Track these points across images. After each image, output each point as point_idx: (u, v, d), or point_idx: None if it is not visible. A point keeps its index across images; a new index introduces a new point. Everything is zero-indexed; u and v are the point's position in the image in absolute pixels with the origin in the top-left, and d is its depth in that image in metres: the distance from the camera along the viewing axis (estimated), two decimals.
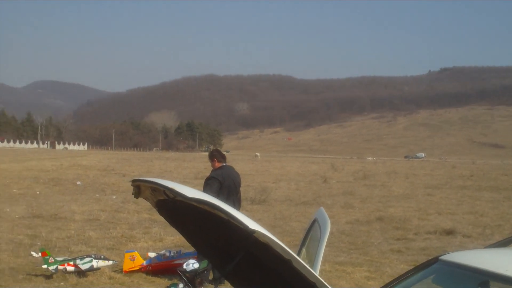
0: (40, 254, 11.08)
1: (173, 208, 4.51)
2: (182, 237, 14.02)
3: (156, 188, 4.40)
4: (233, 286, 5.03)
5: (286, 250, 3.81)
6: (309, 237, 5.48)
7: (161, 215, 4.99)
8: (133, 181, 4.72)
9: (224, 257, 4.66)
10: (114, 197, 26.43)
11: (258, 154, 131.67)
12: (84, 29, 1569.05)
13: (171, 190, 4.11)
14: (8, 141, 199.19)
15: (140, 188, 4.74)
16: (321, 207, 5.60)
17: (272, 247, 3.83)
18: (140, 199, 4.93)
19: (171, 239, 15.10)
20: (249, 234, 3.78)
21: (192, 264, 7.71)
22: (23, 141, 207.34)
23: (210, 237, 4.66)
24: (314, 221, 5.39)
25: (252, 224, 3.76)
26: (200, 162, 76.84)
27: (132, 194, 4.91)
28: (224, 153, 12.84)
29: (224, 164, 11.27)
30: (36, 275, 10.85)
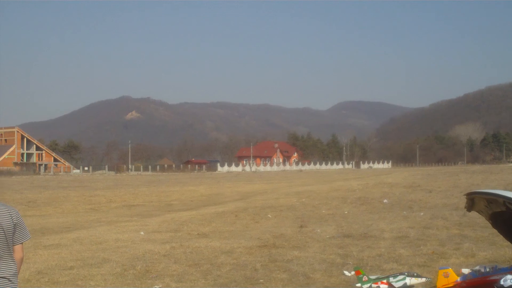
0: (353, 273, 11.25)
1: (511, 220, 4.33)
2: (496, 252, 13.41)
3: (494, 200, 4.25)
4: None
5: None
6: None
7: (495, 228, 4.82)
8: (468, 194, 4.62)
9: None
10: (421, 213, 26.16)
11: None
12: (386, 47, 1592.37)
13: None
14: (315, 163, 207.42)
15: (474, 200, 4.60)
16: None
17: None
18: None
19: (483, 255, 14.53)
20: None
21: (510, 280, 7.33)
22: (329, 163, 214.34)
23: None
24: None
25: None
26: (508, 174, 73.61)
27: (465, 207, 4.81)
28: None
29: None
30: None
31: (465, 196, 4.59)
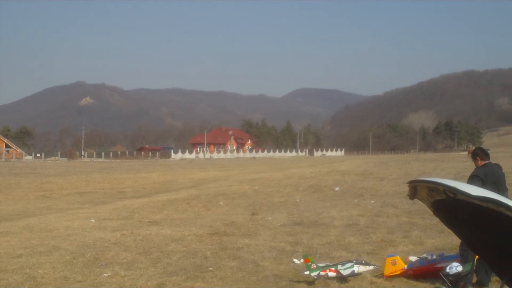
0: (302, 260, 11.31)
1: (451, 208, 4.36)
2: (443, 240, 13.60)
3: (435, 188, 4.29)
4: None
5: None
6: None
7: (436, 216, 4.85)
8: (410, 182, 4.64)
9: (506, 259, 4.41)
10: (372, 201, 26.42)
11: None
12: (342, 35, 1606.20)
13: (453, 189, 3.99)
14: (268, 151, 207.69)
15: (416, 189, 4.63)
16: None
17: None
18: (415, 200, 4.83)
19: (431, 242, 14.77)
20: None
21: (455, 267, 7.46)
22: (282, 150, 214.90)
23: (491, 237, 4.44)
24: None
25: None
26: (459, 162, 74.66)
27: (407, 195, 4.83)
28: None
29: (488, 161, 10.85)
30: (299, 282, 11.10)
31: (407, 184, 4.61)
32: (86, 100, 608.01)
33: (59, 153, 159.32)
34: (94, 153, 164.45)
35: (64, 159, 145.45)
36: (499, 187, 10.47)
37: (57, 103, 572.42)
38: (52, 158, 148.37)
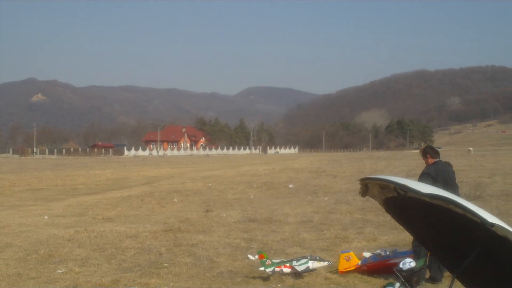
0: (257, 256, 11.32)
1: (402, 205, 4.42)
2: (397, 236, 13.78)
3: (386, 186, 4.34)
4: (464, 285, 4.80)
5: None
6: None
7: (388, 213, 4.91)
8: (362, 179, 4.68)
9: (455, 255, 4.49)
10: (326, 198, 26.59)
11: (471, 149, 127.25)
12: (296, 34, 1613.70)
13: (404, 186, 4.04)
14: (222, 148, 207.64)
15: (368, 186, 4.68)
16: None
17: None
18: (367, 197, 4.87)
19: (385, 239, 14.92)
20: (487, 228, 3.63)
21: (408, 263, 7.50)
22: (236, 148, 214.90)
23: (441, 233, 4.51)
24: None
25: (490, 217, 3.62)
26: (411, 160, 75.58)
27: (359, 192, 4.87)
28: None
29: (438, 159, 11.01)
30: (254, 277, 11.12)
31: (359, 182, 4.67)
32: (38, 97, 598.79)
33: (10, 149, 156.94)
34: (46, 150, 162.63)
35: (16, 156, 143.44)
36: (450, 184, 10.64)
37: (8, 99, 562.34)
38: (4, 155, 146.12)
